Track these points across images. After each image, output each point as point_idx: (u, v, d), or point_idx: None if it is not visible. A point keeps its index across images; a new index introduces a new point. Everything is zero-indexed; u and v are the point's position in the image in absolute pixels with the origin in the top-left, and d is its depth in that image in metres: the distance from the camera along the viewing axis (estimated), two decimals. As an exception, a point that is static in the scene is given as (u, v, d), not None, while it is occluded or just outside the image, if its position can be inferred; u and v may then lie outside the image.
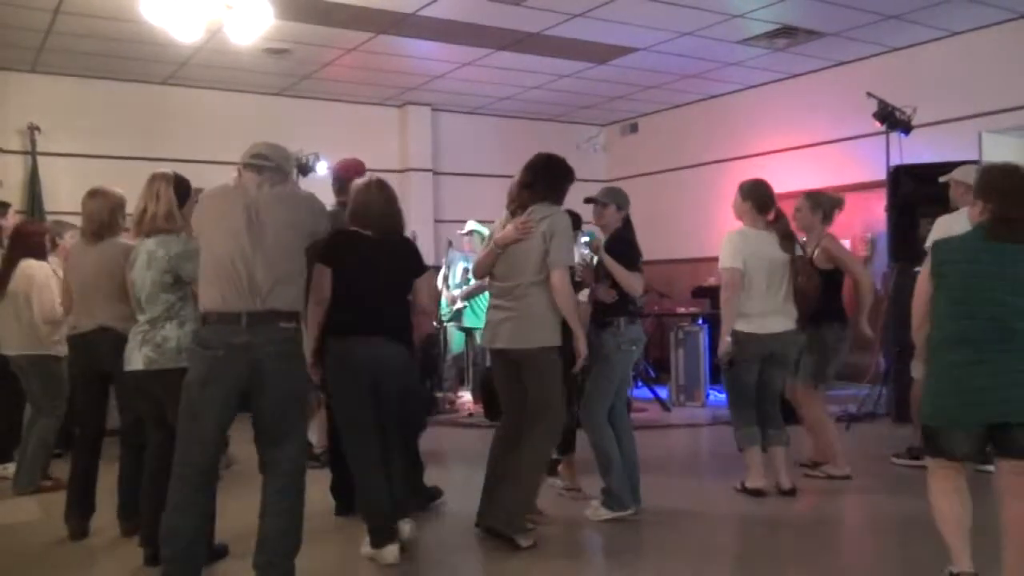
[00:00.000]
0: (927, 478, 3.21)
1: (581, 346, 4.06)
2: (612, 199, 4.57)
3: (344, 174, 4.67)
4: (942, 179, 4.94)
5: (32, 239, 5.28)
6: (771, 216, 4.89)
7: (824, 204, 5.25)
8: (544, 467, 4.19)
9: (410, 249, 4.07)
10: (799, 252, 5.00)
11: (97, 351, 4.16)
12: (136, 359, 3.76)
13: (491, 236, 4.30)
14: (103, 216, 4.22)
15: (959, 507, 3.14)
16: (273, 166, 3.41)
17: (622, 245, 4.46)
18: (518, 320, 4.02)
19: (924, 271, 3.18)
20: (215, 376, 3.23)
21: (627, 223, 4.60)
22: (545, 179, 4.16)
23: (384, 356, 3.82)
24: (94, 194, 4.29)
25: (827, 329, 5.16)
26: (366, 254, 3.87)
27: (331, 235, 3.79)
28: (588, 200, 4.61)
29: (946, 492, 3.15)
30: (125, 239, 4.25)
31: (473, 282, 7.91)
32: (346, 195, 4.56)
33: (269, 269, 3.24)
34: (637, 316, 4.55)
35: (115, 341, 4.07)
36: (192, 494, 3.26)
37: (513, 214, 4.17)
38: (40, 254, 5.20)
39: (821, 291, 5.03)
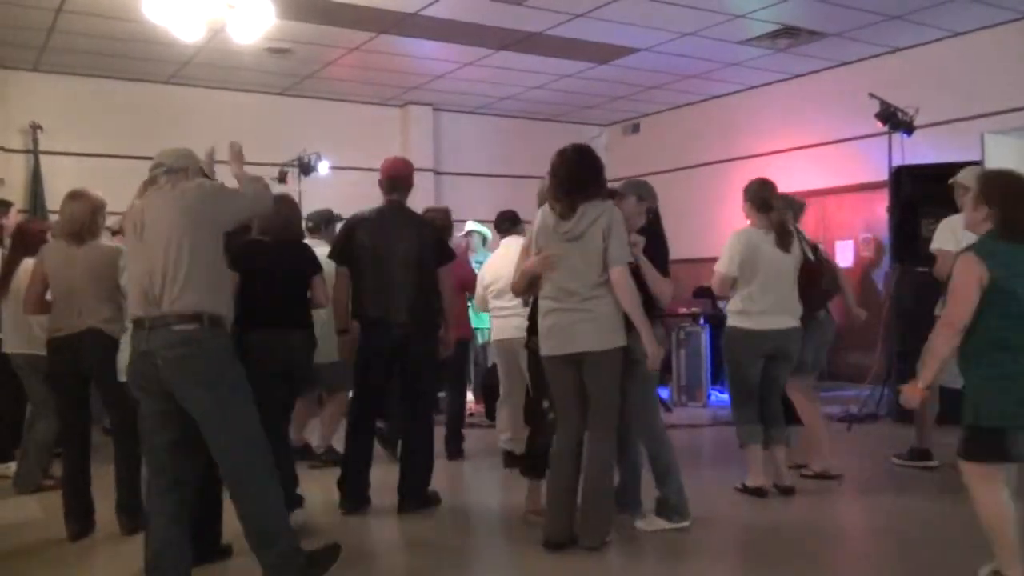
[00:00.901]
0: (971, 483, 3.20)
1: (651, 345, 3.95)
2: (632, 190, 4.36)
3: (388, 175, 4.77)
4: (951, 181, 4.95)
5: (34, 238, 5.26)
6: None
7: (794, 205, 5.40)
8: (613, 467, 4.09)
9: (304, 251, 4.53)
10: (811, 255, 5.02)
11: (83, 353, 4.19)
12: None
13: (536, 234, 4.09)
14: (84, 219, 4.26)
15: (1009, 510, 3.14)
16: (165, 169, 3.42)
17: (653, 247, 4.25)
18: (593, 322, 3.90)
19: (970, 276, 3.12)
20: (134, 382, 3.35)
21: (657, 219, 4.41)
22: (589, 175, 4.00)
23: (290, 343, 4.29)
24: (75, 196, 4.32)
25: (804, 317, 5.12)
26: (266, 257, 4.32)
27: (240, 245, 4.14)
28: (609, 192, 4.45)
29: (995, 493, 3.15)
30: (116, 242, 4.26)
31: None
32: (395, 194, 4.72)
33: (155, 275, 3.25)
34: (658, 318, 4.46)
35: (101, 343, 4.17)
36: (158, 496, 3.31)
37: (562, 216, 3.96)
38: (43, 253, 5.21)
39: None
